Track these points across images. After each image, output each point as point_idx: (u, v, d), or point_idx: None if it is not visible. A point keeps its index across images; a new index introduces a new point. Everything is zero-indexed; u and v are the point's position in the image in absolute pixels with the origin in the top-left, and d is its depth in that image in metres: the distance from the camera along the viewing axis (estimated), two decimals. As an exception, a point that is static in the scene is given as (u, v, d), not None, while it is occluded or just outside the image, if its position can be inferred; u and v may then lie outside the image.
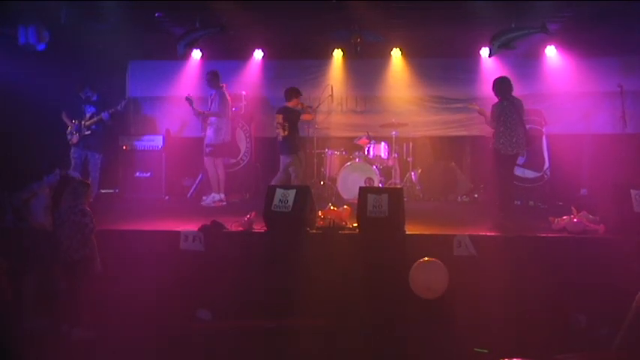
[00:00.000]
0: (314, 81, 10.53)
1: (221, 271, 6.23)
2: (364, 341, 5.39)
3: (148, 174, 9.86)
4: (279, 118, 8.52)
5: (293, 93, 8.59)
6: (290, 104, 8.56)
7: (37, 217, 5.98)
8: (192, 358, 5.23)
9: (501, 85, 7.33)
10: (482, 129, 9.09)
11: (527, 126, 9.09)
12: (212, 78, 8.87)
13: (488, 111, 7.48)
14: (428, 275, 5.61)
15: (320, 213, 6.82)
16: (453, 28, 9.33)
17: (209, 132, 8.81)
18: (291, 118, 8.45)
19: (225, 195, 8.96)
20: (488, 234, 6.51)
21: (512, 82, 7.36)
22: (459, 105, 10.00)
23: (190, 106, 8.87)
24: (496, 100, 7.38)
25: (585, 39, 9.35)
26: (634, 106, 9.58)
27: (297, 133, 8.58)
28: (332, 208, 7.05)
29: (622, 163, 8.69)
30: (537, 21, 8.39)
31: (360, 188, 6.81)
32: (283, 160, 8.53)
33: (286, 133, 8.44)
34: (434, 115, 10.43)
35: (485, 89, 7.83)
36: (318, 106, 9.43)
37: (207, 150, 8.85)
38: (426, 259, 5.67)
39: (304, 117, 8.53)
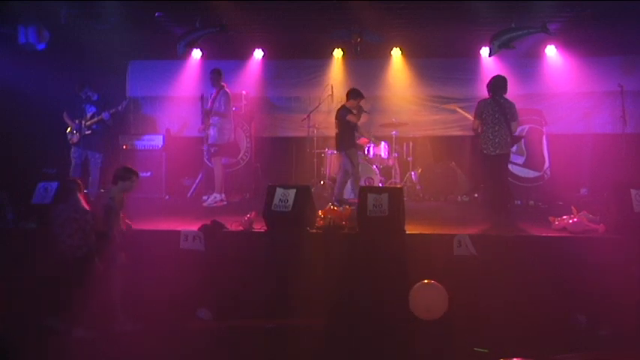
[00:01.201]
0: (314, 81, 10.55)
1: (221, 271, 6.23)
2: (364, 341, 5.39)
3: (148, 174, 9.85)
4: (335, 117, 8.53)
5: (350, 94, 8.47)
6: (347, 104, 8.45)
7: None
8: (192, 358, 5.23)
9: (494, 84, 7.28)
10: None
11: (527, 126, 9.16)
12: (216, 76, 8.84)
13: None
14: (427, 298, 5.50)
15: (320, 213, 6.82)
16: (453, 28, 9.34)
17: (212, 132, 8.78)
18: (342, 116, 8.39)
19: (225, 195, 8.96)
20: (488, 234, 6.51)
21: (506, 83, 7.28)
22: (459, 105, 9.99)
23: (202, 105, 8.85)
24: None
25: (585, 39, 9.35)
26: (634, 105, 9.60)
27: (349, 132, 8.41)
28: (332, 208, 7.05)
29: (622, 163, 8.70)
30: (537, 21, 8.39)
31: (360, 188, 6.81)
32: (340, 157, 8.53)
33: (337, 130, 8.45)
34: (434, 114, 10.44)
35: (486, 89, 7.81)
36: (363, 111, 8.74)
37: (213, 150, 8.84)
38: (426, 281, 5.57)
39: (349, 117, 8.42)
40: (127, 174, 5.89)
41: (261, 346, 5.39)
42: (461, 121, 10.04)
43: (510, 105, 7.18)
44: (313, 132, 9.81)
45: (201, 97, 9.03)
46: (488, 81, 7.39)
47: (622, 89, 8.99)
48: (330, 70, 10.57)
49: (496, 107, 7.12)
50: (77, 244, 5.62)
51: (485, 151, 7.15)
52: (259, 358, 5.27)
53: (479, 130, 7.27)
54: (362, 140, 9.57)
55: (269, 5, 8.45)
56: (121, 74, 10.71)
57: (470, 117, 7.39)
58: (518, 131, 7.51)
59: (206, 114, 8.83)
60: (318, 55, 10.54)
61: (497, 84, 7.27)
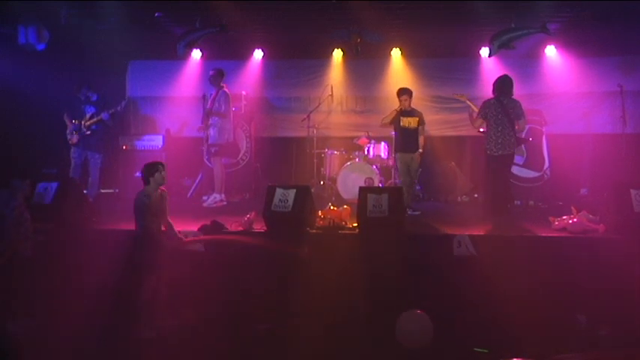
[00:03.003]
0: (314, 81, 10.54)
1: (221, 271, 6.23)
2: (364, 341, 5.39)
3: (148, 174, 9.83)
4: (411, 119, 8.39)
5: (397, 93, 8.43)
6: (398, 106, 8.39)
7: None
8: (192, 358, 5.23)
9: (500, 84, 7.26)
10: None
11: (527, 126, 9.16)
12: (217, 76, 8.82)
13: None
14: (413, 328, 5.42)
15: (320, 213, 6.82)
16: (453, 28, 9.34)
17: (212, 132, 8.78)
18: (394, 117, 8.33)
19: (225, 195, 8.96)
20: (488, 234, 6.51)
21: (511, 84, 7.27)
22: (458, 105, 9.97)
23: (204, 105, 8.85)
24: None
25: (585, 39, 9.35)
26: (634, 106, 9.58)
27: (400, 133, 8.34)
28: (332, 208, 7.05)
29: (622, 163, 8.70)
30: (537, 21, 8.39)
31: (360, 188, 6.80)
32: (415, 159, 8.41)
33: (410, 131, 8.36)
34: (434, 114, 10.40)
35: (486, 89, 7.82)
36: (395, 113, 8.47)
37: (213, 150, 8.84)
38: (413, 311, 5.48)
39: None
40: (152, 168, 5.92)
41: (259, 347, 5.39)
42: (461, 121, 10.03)
43: (514, 104, 7.19)
44: (313, 132, 9.80)
45: (203, 97, 9.02)
46: (494, 80, 7.37)
47: (622, 89, 8.99)
48: (330, 70, 10.55)
49: (499, 108, 7.11)
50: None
51: (488, 152, 7.17)
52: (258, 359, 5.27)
53: (480, 129, 7.28)
54: (362, 140, 9.57)
55: (269, 5, 8.45)
56: (120, 74, 10.70)
57: (475, 108, 7.38)
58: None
59: (207, 114, 8.84)
60: (318, 55, 10.53)
61: (501, 84, 7.26)
